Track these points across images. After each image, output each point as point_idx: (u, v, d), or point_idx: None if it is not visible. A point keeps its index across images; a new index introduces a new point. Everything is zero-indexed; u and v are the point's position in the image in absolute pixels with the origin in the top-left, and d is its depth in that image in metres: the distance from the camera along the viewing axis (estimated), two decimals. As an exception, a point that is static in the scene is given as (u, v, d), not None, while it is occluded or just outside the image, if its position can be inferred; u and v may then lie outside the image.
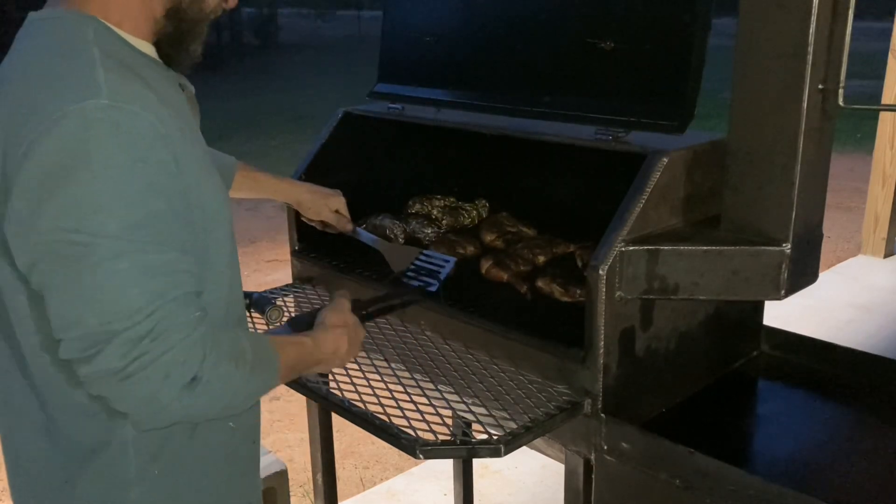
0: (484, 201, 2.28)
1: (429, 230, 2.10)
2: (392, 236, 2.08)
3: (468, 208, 2.26)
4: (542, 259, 1.93)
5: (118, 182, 0.97)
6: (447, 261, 1.84)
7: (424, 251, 1.91)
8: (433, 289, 1.78)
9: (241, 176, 1.77)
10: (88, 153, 0.96)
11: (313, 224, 1.96)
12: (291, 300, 2.05)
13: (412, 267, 1.86)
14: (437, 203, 2.26)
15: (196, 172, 1.09)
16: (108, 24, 1.08)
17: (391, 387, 1.58)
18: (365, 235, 1.96)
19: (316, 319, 1.33)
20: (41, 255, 0.99)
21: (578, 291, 1.69)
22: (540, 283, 1.78)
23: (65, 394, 1.09)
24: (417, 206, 2.25)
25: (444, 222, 2.20)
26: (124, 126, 0.98)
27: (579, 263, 1.86)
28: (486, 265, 1.91)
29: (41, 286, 1.01)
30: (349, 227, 1.94)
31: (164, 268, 1.00)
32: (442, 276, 1.79)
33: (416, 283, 1.80)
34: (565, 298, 1.73)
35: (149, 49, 1.15)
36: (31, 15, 1.12)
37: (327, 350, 1.29)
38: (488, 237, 2.08)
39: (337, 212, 1.92)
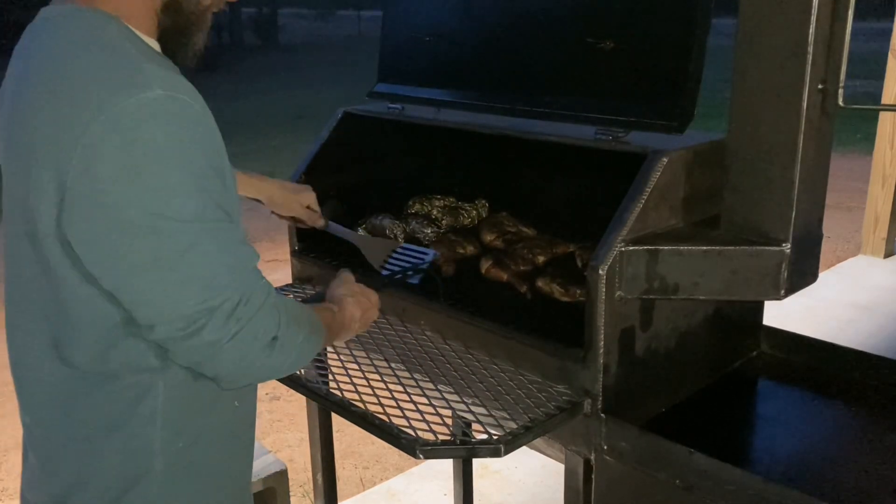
0: (484, 201, 2.27)
1: (428, 230, 2.10)
2: (392, 236, 2.08)
3: (468, 208, 2.26)
4: (541, 259, 1.93)
5: (186, 167, 1.02)
6: (426, 253, 1.83)
7: (403, 244, 1.91)
8: (414, 281, 1.77)
9: None
10: (155, 143, 1.00)
11: (285, 220, 1.95)
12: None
13: (390, 261, 1.86)
14: (436, 203, 2.26)
15: (230, 169, 1.15)
16: (124, 22, 1.10)
17: (391, 387, 1.58)
18: (338, 229, 1.94)
19: (325, 296, 1.41)
20: (122, 249, 1.02)
21: (578, 291, 1.70)
22: (540, 283, 1.78)
23: (100, 366, 1.12)
24: (417, 206, 2.25)
25: (443, 222, 2.20)
26: (181, 114, 1.03)
27: (579, 263, 1.86)
28: (486, 265, 1.91)
29: (121, 276, 1.04)
30: (320, 222, 1.92)
31: (236, 241, 1.09)
32: (423, 268, 1.78)
33: (398, 276, 1.79)
34: (565, 298, 1.73)
35: (155, 45, 1.16)
36: (45, 10, 1.13)
37: (347, 316, 1.38)
38: (488, 237, 2.08)
39: (308, 207, 1.91)
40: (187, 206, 1.02)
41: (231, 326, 1.06)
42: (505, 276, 1.87)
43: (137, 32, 1.12)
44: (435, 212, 2.23)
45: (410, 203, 2.27)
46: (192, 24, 1.19)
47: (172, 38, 1.18)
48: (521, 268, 1.89)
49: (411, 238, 2.08)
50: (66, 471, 1.19)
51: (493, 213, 2.22)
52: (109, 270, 1.04)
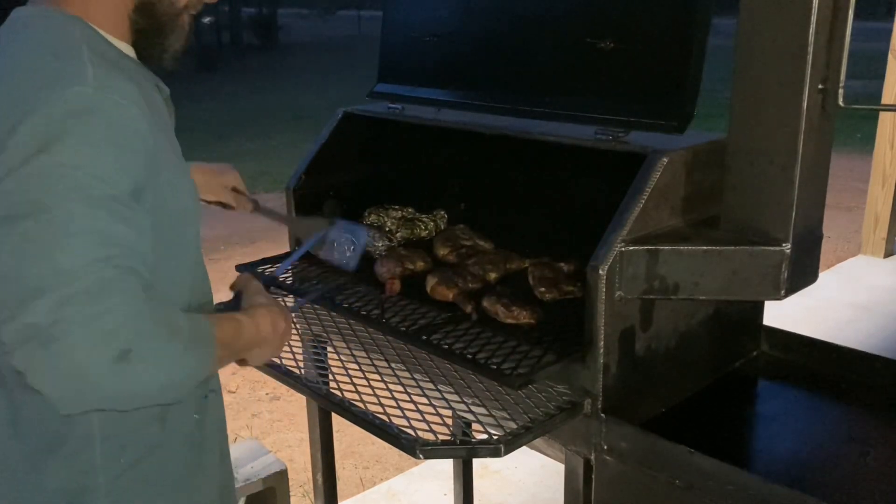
0: (443, 212, 2.19)
1: (380, 243, 2.01)
2: (339, 251, 1.87)
3: (425, 220, 2.18)
4: (493, 276, 1.84)
5: (90, 159, 0.98)
6: (359, 233, 1.71)
7: (335, 221, 1.75)
8: (351, 266, 1.69)
9: None
10: (66, 130, 0.98)
11: (213, 206, 1.76)
12: (291, 300, 2.05)
13: (325, 242, 1.73)
14: (393, 214, 2.16)
15: (168, 172, 1.11)
16: (92, 25, 1.11)
17: (391, 387, 1.58)
18: (268, 212, 1.80)
19: (241, 304, 1.26)
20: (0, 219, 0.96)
21: (524, 313, 1.64)
22: (485, 304, 1.70)
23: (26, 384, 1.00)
24: (373, 217, 2.15)
25: (398, 234, 2.10)
26: (104, 111, 1.01)
27: (531, 281, 1.79)
28: (431, 283, 1.79)
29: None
30: (248, 205, 1.74)
31: (115, 240, 0.97)
32: (357, 251, 1.69)
33: (333, 261, 1.71)
34: (509, 320, 1.65)
35: (129, 50, 1.17)
36: (16, 12, 1.13)
37: (266, 328, 1.21)
38: (441, 251, 2.00)
39: (234, 189, 1.73)
40: (72, 193, 0.96)
41: (60, 316, 0.90)
42: (451, 296, 1.75)
43: (105, 35, 1.13)
44: (389, 223, 2.13)
45: (366, 213, 2.17)
46: (165, 25, 1.19)
47: (146, 40, 1.18)
48: (471, 285, 1.79)
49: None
50: (7, 494, 1.14)
51: (450, 226, 2.14)
52: None
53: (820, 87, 1.43)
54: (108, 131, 1.01)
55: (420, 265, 1.93)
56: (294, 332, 1.81)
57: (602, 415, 1.49)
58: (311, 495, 2.26)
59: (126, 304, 0.95)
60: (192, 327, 1.05)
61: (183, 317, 1.05)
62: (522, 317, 1.65)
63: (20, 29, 1.11)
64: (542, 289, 1.78)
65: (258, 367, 1.52)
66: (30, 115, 0.98)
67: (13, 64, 1.07)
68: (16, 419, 1.11)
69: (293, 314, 1.27)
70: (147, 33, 1.18)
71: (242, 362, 1.25)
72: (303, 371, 1.65)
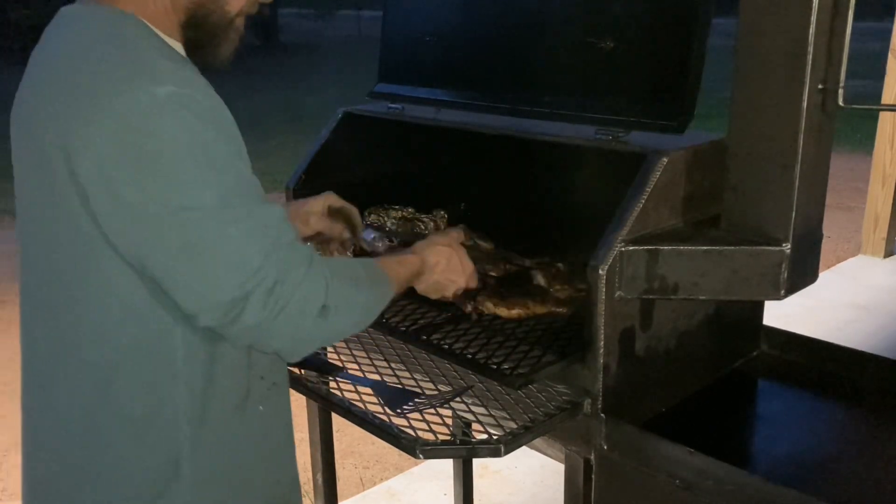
0: (443, 212, 2.18)
1: (379, 244, 1.98)
2: (339, 252, 1.89)
3: (425, 220, 2.16)
4: (493, 275, 1.83)
5: (201, 157, 1.02)
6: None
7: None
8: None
9: None
10: (167, 133, 1.00)
11: (314, 243, 1.75)
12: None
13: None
14: (393, 214, 2.15)
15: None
16: (145, 21, 1.11)
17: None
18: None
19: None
20: (154, 240, 1.03)
21: (516, 311, 1.65)
22: (478, 301, 1.68)
23: (127, 368, 1.12)
24: (373, 217, 2.14)
25: (399, 234, 2.09)
26: (194, 107, 1.03)
27: (542, 281, 1.77)
28: None
29: (158, 268, 1.05)
30: (342, 231, 1.74)
31: (266, 222, 1.08)
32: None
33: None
34: (511, 312, 1.65)
35: (177, 46, 1.17)
36: (64, 9, 1.14)
37: (431, 261, 1.40)
38: None
39: (330, 211, 1.72)
40: (206, 195, 1.03)
41: (271, 307, 1.06)
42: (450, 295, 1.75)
43: (157, 31, 1.13)
44: (390, 223, 2.12)
45: (366, 213, 2.15)
46: (218, 36, 1.19)
47: (199, 50, 1.19)
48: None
49: (362, 253, 1.96)
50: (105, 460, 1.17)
51: (450, 226, 2.10)
52: (144, 261, 1.06)
53: (820, 87, 1.43)
54: (204, 124, 1.04)
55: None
56: None
57: (602, 415, 1.49)
58: (311, 495, 2.26)
59: (308, 273, 1.10)
60: (367, 270, 1.25)
61: (353, 264, 1.26)
62: (517, 314, 1.65)
63: (71, 25, 1.12)
64: (558, 286, 1.77)
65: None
66: (122, 126, 0.99)
67: (71, 60, 1.07)
68: (101, 404, 1.14)
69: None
70: (199, 44, 1.19)
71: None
72: (302, 371, 1.65)
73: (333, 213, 1.75)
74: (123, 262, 1.07)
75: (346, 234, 1.77)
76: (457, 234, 1.46)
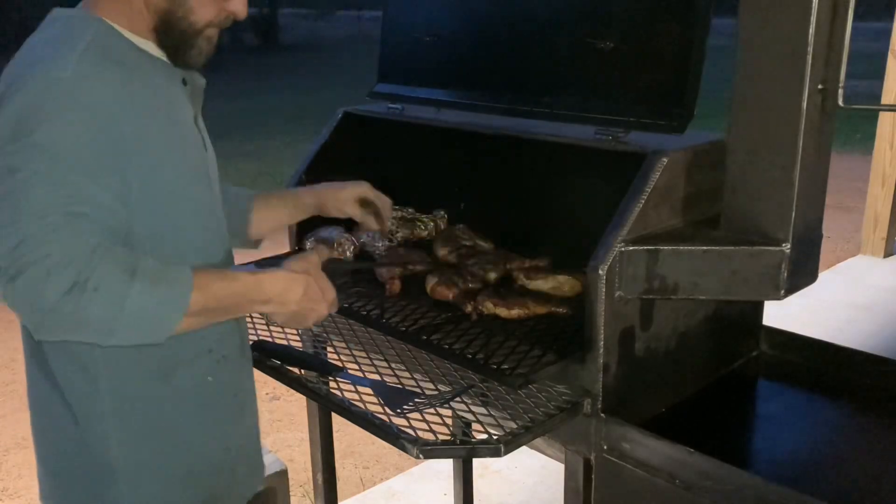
0: (443, 212, 2.18)
1: (380, 244, 2.01)
2: (339, 251, 1.95)
3: (425, 220, 2.16)
4: (493, 276, 1.84)
5: (60, 132, 1.10)
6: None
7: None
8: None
9: (258, 205, 1.71)
10: (43, 110, 1.10)
11: (349, 242, 1.84)
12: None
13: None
14: (393, 214, 2.10)
15: (159, 155, 1.22)
16: (115, 26, 1.24)
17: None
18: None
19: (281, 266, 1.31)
20: None
21: (516, 311, 1.65)
22: (478, 301, 1.70)
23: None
24: None
25: (398, 235, 2.09)
26: (78, 93, 1.13)
27: (521, 281, 1.78)
28: (431, 283, 1.80)
29: None
30: (373, 223, 1.79)
31: (68, 192, 1.08)
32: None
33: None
34: (510, 314, 1.66)
35: (155, 49, 1.28)
36: (54, 11, 1.26)
37: (273, 291, 1.24)
38: (441, 251, 1.99)
39: (363, 202, 1.77)
40: (41, 159, 1.08)
41: (6, 267, 1.04)
42: (451, 295, 1.75)
43: (134, 38, 1.25)
44: (390, 223, 2.06)
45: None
46: (186, 41, 1.28)
47: (171, 52, 1.29)
48: (471, 285, 1.79)
49: (362, 252, 2.00)
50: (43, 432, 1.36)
51: (450, 226, 2.13)
52: None
53: (820, 87, 1.43)
54: (80, 112, 1.12)
55: (419, 266, 1.93)
56: (293, 331, 1.82)
57: (602, 415, 1.49)
58: (311, 495, 2.26)
59: (75, 243, 1.06)
60: (162, 270, 1.13)
61: (152, 261, 1.13)
62: (516, 314, 1.65)
63: (45, 26, 1.25)
64: (540, 280, 1.79)
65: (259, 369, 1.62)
66: (12, 96, 1.12)
67: (19, 54, 1.21)
68: (45, 369, 1.29)
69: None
70: (170, 47, 1.28)
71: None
72: (303, 371, 1.65)
73: (365, 203, 1.78)
74: None
75: (375, 226, 1.81)
76: (315, 258, 1.33)
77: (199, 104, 1.40)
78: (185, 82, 1.34)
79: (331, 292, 1.33)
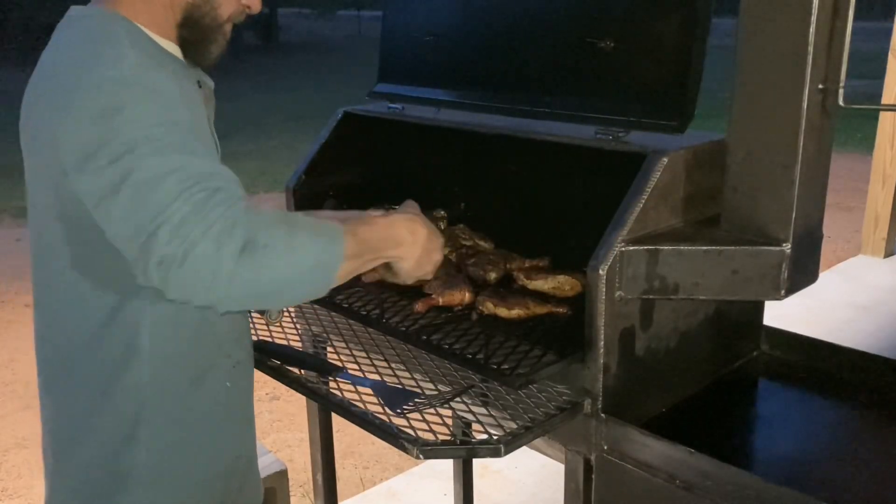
0: (443, 212, 2.18)
1: None
2: None
3: None
4: (493, 276, 1.84)
5: (147, 117, 1.09)
6: None
7: None
8: None
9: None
10: (123, 109, 1.09)
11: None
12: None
13: None
14: None
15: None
16: (137, 24, 1.22)
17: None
18: None
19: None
20: (102, 190, 1.08)
21: (516, 311, 1.65)
22: (478, 301, 1.69)
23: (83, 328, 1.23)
24: None
25: None
26: (148, 84, 1.12)
27: (524, 282, 1.77)
28: (431, 283, 1.76)
29: (104, 217, 1.10)
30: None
31: (192, 172, 1.06)
32: None
33: None
34: (510, 314, 1.65)
35: (174, 49, 1.29)
36: (72, 10, 1.25)
37: (404, 230, 1.27)
38: None
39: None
40: (144, 145, 1.07)
41: (178, 243, 1.02)
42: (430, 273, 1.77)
43: (155, 37, 1.24)
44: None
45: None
46: (208, 37, 1.30)
47: (190, 48, 1.30)
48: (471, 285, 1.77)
49: None
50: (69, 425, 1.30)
51: (450, 226, 2.13)
52: (94, 209, 1.11)
53: (820, 87, 1.43)
54: (158, 98, 1.11)
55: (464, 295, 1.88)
56: (293, 331, 1.82)
57: (602, 415, 1.49)
58: (311, 495, 2.26)
59: (229, 211, 1.04)
60: (313, 221, 1.14)
61: (301, 215, 1.17)
62: (516, 313, 1.65)
63: (68, 25, 1.23)
64: (540, 280, 1.77)
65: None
66: (81, 103, 1.09)
67: (58, 58, 1.20)
68: (70, 366, 1.28)
69: None
70: (191, 43, 1.29)
71: (392, 275, 1.33)
72: (302, 371, 1.65)
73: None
74: (73, 259, 1.19)
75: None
76: (416, 206, 1.35)
77: (213, 108, 1.40)
78: (199, 85, 1.35)
79: (440, 235, 1.37)
